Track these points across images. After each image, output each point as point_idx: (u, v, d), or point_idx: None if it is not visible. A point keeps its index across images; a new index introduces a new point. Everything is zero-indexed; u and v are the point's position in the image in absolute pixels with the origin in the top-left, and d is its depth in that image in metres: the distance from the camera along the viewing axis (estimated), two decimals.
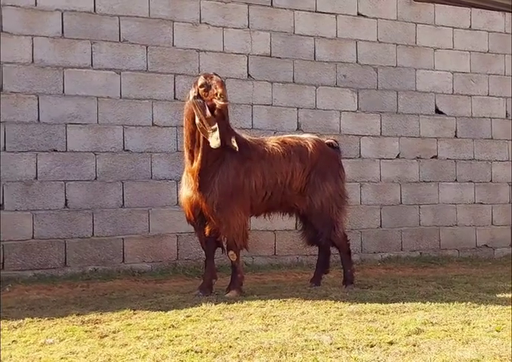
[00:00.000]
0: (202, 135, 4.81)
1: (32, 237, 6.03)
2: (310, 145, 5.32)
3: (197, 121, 4.81)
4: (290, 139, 5.35)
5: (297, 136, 5.60)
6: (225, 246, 5.11)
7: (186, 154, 4.98)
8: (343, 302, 4.68)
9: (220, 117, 4.81)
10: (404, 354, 3.30)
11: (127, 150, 6.42)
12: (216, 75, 4.87)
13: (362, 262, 7.03)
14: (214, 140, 4.75)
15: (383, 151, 7.49)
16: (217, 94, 4.71)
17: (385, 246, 7.45)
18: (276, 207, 5.34)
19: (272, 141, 5.26)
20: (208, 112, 4.75)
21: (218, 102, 4.71)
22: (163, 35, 6.56)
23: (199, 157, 4.87)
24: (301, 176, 5.24)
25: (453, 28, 7.85)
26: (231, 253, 5.04)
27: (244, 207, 5.03)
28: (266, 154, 5.13)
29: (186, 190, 5.00)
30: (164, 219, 6.52)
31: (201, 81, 4.83)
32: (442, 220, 7.76)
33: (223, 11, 6.80)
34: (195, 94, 4.83)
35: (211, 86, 4.76)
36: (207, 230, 5.00)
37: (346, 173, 5.70)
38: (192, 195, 4.94)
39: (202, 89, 4.79)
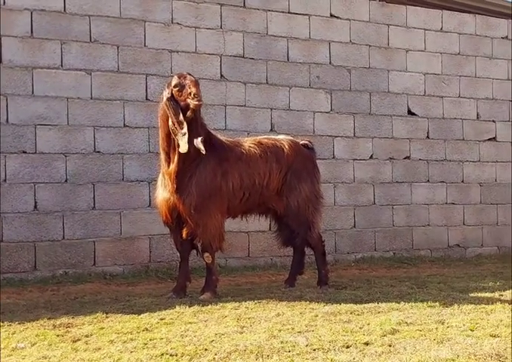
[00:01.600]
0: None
1: (1, 241, 5.91)
2: (286, 146, 5.32)
3: (170, 123, 4.76)
4: (266, 140, 5.34)
5: (273, 137, 5.60)
6: (200, 248, 5.06)
7: (163, 156, 4.92)
8: (318, 303, 4.67)
9: (194, 117, 4.76)
10: (380, 355, 3.29)
11: (98, 151, 6.33)
12: (190, 74, 4.82)
13: (336, 263, 7.03)
14: (183, 145, 4.71)
15: (356, 152, 7.51)
16: (190, 94, 4.65)
17: (359, 246, 7.48)
18: (253, 208, 5.32)
19: (248, 142, 5.25)
20: (181, 116, 4.69)
21: (192, 102, 4.66)
22: (134, 35, 6.50)
23: (176, 159, 4.81)
24: (278, 176, 5.24)
25: (425, 30, 7.92)
26: (206, 255, 5.00)
27: (221, 208, 5.00)
28: (244, 155, 5.11)
29: (163, 192, 4.94)
30: (136, 221, 6.44)
31: (174, 81, 4.78)
32: (414, 220, 7.81)
33: (196, 11, 6.76)
34: (169, 95, 4.77)
35: (184, 86, 4.71)
36: (184, 232, 4.95)
37: (321, 173, 5.70)
38: (170, 197, 4.89)
39: (176, 89, 4.74)
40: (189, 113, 4.71)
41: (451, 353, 3.29)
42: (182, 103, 4.72)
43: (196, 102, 4.66)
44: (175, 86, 4.74)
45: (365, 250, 7.49)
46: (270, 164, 5.20)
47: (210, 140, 4.94)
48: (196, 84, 4.70)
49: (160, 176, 5.04)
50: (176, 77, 4.82)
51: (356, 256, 7.42)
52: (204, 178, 4.88)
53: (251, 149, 5.16)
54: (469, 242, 8.12)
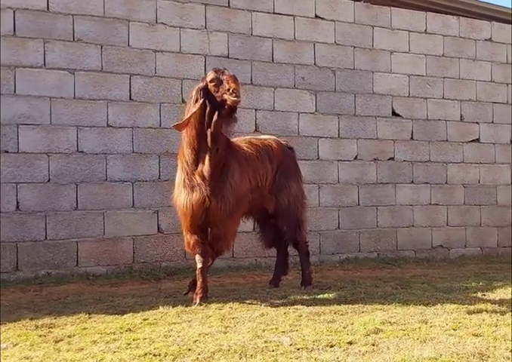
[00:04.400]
0: (209, 135, 4.50)
1: None
2: (274, 145, 5.32)
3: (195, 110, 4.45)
4: (255, 140, 5.27)
5: (259, 137, 5.58)
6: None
7: (191, 155, 4.60)
8: (303, 303, 4.67)
9: (229, 114, 4.44)
10: (363, 354, 3.30)
11: (81, 151, 6.28)
12: (226, 69, 4.54)
13: (320, 264, 7.04)
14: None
15: (341, 153, 7.52)
16: (229, 90, 4.33)
17: (343, 247, 7.48)
18: (253, 209, 5.13)
19: (243, 142, 5.11)
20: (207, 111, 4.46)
21: (230, 98, 4.31)
22: (119, 34, 6.46)
23: (207, 160, 4.55)
24: (271, 175, 5.18)
25: (409, 31, 7.96)
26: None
27: (242, 212, 4.92)
28: (245, 155, 4.95)
29: (192, 193, 4.63)
30: (119, 221, 6.40)
31: (211, 75, 4.48)
32: (399, 221, 7.83)
33: (180, 11, 6.74)
34: (204, 86, 4.46)
35: (222, 81, 4.40)
36: (210, 236, 4.76)
37: (305, 174, 5.71)
38: (205, 199, 4.62)
39: (213, 84, 4.44)
40: (225, 110, 4.41)
41: (434, 352, 3.30)
42: (218, 99, 4.40)
43: (234, 98, 4.30)
44: (212, 80, 4.44)
45: (349, 251, 7.50)
46: (265, 163, 5.11)
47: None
48: (235, 79, 4.36)
49: (182, 175, 4.69)
50: (212, 71, 4.51)
51: (341, 257, 7.43)
52: (235, 181, 4.68)
53: (247, 150, 5.03)
54: (453, 243, 8.16)
